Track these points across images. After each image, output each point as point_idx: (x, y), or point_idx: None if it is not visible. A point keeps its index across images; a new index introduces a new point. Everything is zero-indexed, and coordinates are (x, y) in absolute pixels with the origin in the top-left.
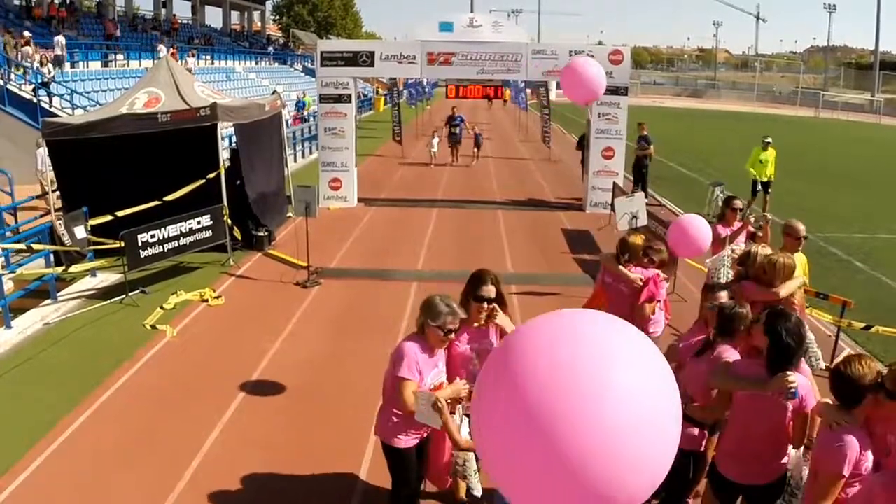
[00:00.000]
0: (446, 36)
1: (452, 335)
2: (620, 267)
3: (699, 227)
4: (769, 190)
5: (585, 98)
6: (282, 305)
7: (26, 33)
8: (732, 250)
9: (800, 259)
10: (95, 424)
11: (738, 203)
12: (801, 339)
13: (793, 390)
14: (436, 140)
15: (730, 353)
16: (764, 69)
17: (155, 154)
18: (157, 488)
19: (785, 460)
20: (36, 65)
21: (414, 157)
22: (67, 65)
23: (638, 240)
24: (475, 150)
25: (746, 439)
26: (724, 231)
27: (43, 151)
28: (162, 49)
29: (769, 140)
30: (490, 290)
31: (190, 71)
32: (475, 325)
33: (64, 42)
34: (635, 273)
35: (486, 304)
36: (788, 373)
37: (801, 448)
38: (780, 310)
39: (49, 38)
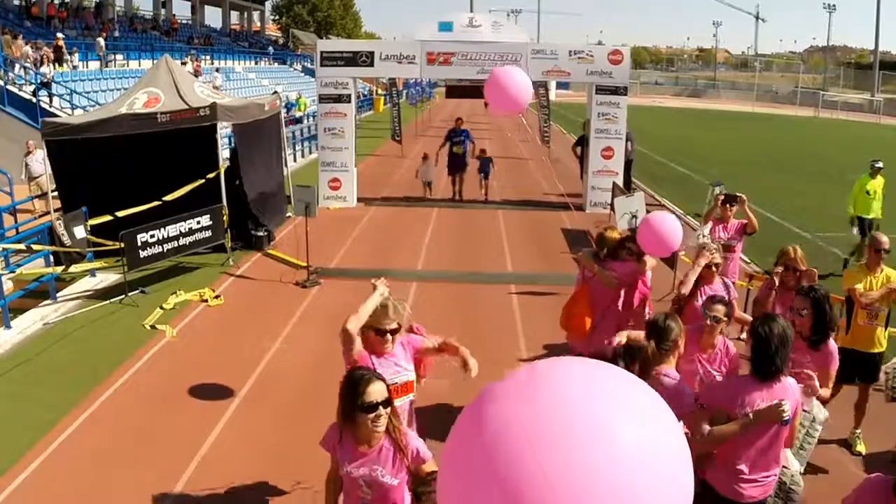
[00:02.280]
0: (446, 36)
1: (388, 336)
2: (597, 266)
3: (669, 225)
4: (870, 230)
5: (510, 110)
6: (281, 305)
7: (20, 40)
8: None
9: (889, 275)
10: (95, 424)
11: (722, 196)
12: (784, 342)
13: (786, 417)
14: (430, 165)
15: (669, 373)
16: (763, 69)
17: (154, 154)
18: (157, 488)
19: (782, 464)
20: (35, 64)
21: (403, 179)
22: (80, 63)
23: (614, 234)
24: (483, 181)
25: (752, 456)
26: (723, 234)
27: (36, 156)
28: (188, 63)
29: (880, 165)
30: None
31: (218, 89)
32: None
33: (104, 44)
34: (610, 272)
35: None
36: (784, 401)
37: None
38: (767, 314)
39: (50, 38)
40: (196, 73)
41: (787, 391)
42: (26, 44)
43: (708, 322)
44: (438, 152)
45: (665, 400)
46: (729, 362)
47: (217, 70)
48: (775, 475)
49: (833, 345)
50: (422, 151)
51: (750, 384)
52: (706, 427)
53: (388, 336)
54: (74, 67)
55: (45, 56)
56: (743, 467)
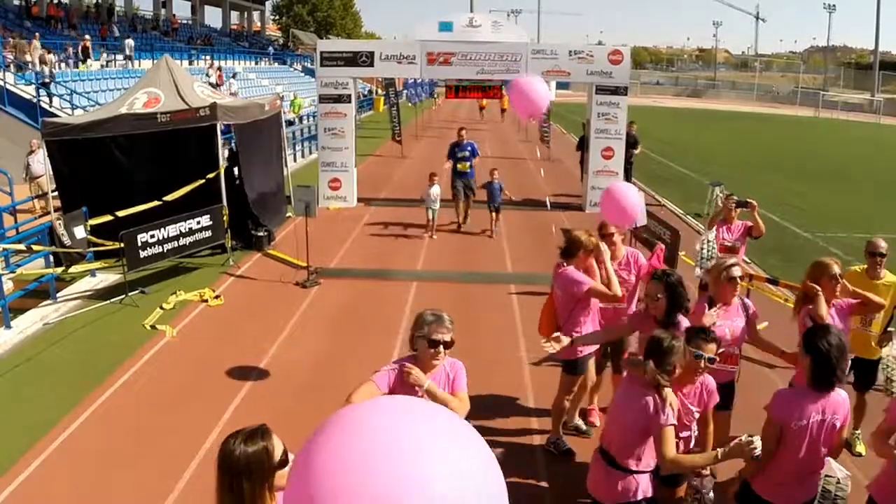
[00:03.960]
0: (446, 36)
1: (441, 348)
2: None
3: (628, 194)
4: None
5: (530, 114)
6: (281, 305)
7: (36, 41)
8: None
9: (888, 285)
10: (95, 424)
11: (732, 201)
12: (842, 353)
13: (756, 455)
14: (436, 190)
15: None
16: (763, 69)
17: (154, 154)
18: (157, 488)
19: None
20: (38, 64)
21: (403, 179)
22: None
23: (582, 235)
24: (492, 213)
25: (803, 461)
26: (725, 231)
27: (38, 155)
28: (211, 75)
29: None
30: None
31: (235, 95)
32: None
33: (133, 44)
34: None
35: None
36: (753, 438)
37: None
38: (822, 326)
39: (52, 38)
40: (218, 84)
41: (839, 403)
42: (41, 46)
43: (696, 360)
44: (443, 170)
45: None
46: (708, 397)
47: (234, 76)
48: (818, 482)
49: (684, 323)
50: (421, 152)
51: (807, 396)
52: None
53: (441, 348)
54: (102, 67)
55: (43, 56)
56: (786, 475)
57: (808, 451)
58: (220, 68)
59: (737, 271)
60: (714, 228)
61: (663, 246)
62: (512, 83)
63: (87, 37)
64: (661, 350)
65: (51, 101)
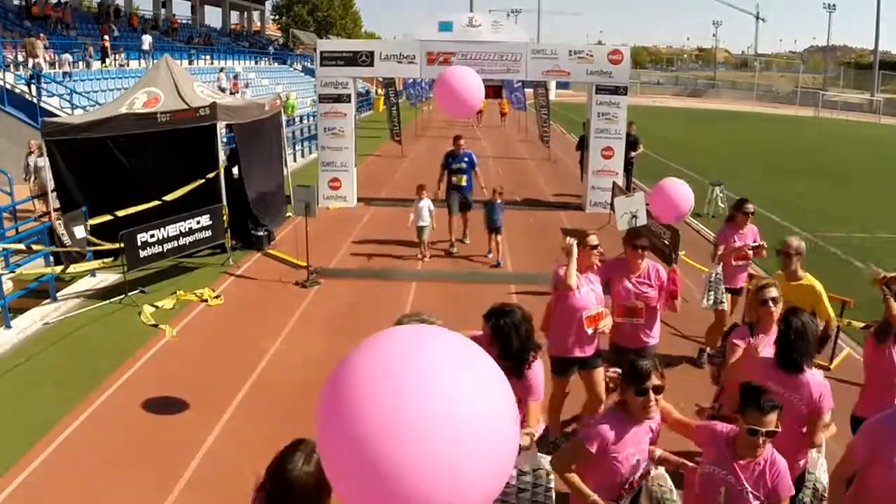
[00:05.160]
0: (446, 36)
1: (651, 395)
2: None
3: (681, 191)
4: None
5: (462, 113)
6: (281, 305)
7: (42, 41)
8: (716, 274)
9: (806, 287)
10: (95, 424)
11: (750, 207)
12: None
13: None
14: (426, 205)
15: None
16: (763, 69)
17: (154, 154)
18: (157, 488)
19: (803, 462)
20: (44, 63)
21: (403, 179)
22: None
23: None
24: (493, 237)
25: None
26: (736, 238)
27: (36, 160)
28: (226, 88)
29: None
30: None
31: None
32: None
33: (151, 40)
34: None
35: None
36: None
37: (822, 449)
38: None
39: (55, 39)
40: (233, 92)
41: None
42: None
43: (751, 439)
44: (439, 186)
45: None
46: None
47: (247, 85)
48: (797, 469)
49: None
50: (421, 152)
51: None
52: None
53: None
54: (121, 66)
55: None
56: None
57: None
58: (236, 76)
59: (773, 292)
60: (720, 266)
61: (675, 268)
62: (439, 78)
63: (106, 37)
64: (636, 373)
65: (39, 95)
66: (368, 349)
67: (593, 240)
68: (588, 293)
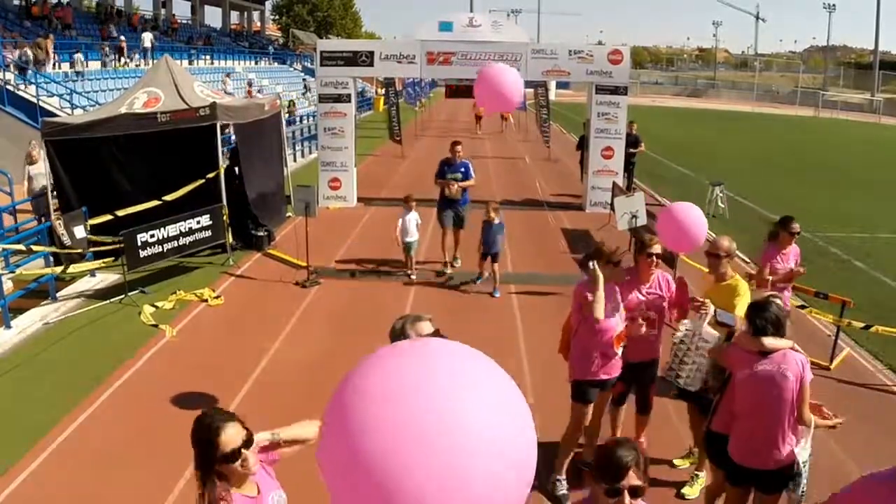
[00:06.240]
0: (446, 36)
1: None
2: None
3: (693, 216)
4: None
5: (502, 108)
6: (281, 305)
7: (49, 40)
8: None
9: (729, 288)
10: (95, 424)
11: (797, 226)
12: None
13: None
14: (413, 217)
15: None
16: (763, 69)
17: (154, 154)
18: (157, 488)
19: (794, 446)
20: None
21: (403, 179)
22: (81, 64)
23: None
24: (490, 262)
25: (757, 424)
26: (780, 259)
27: (28, 168)
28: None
29: None
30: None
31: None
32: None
33: (152, 37)
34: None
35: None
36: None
37: (811, 431)
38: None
39: (56, 39)
40: (248, 96)
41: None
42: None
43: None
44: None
45: None
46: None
47: (259, 90)
48: (790, 455)
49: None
50: (421, 152)
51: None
52: None
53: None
54: (137, 66)
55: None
56: (752, 434)
57: (764, 407)
58: (250, 83)
59: (657, 248)
60: (760, 287)
61: (683, 278)
62: (480, 74)
63: (122, 38)
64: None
65: (26, 88)
66: (372, 369)
67: (657, 248)
68: (612, 311)
